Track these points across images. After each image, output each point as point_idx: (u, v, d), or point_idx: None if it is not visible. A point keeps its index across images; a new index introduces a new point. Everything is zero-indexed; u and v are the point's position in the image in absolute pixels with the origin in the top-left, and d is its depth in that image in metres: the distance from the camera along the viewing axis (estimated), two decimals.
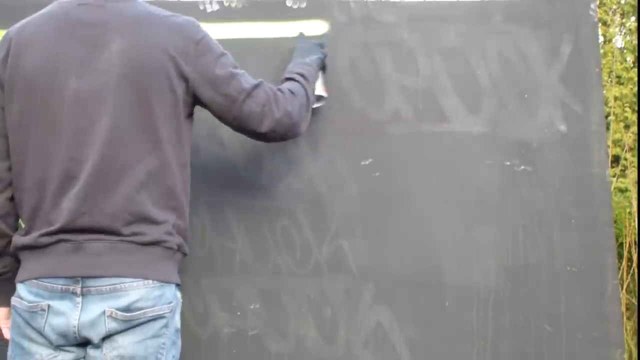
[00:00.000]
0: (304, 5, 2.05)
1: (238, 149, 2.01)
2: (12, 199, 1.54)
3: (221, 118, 1.62)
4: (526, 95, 2.02)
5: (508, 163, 2.00)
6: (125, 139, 1.45)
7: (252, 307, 1.96)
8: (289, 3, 2.05)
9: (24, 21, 1.55)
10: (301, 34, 2.00)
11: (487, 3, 2.05)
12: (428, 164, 2.00)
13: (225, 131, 1.99)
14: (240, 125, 1.62)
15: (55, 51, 1.48)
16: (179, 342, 1.57)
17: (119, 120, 1.45)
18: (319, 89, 1.91)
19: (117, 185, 1.44)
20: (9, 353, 1.50)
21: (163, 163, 1.49)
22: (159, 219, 1.48)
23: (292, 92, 1.67)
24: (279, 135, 1.66)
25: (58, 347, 1.45)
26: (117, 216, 1.44)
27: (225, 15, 2.05)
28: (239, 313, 1.96)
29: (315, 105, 1.87)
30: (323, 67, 1.93)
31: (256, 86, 1.60)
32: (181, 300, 1.59)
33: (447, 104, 2.02)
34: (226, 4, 2.05)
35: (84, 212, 1.43)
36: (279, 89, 1.66)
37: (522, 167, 2.00)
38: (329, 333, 1.95)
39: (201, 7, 2.05)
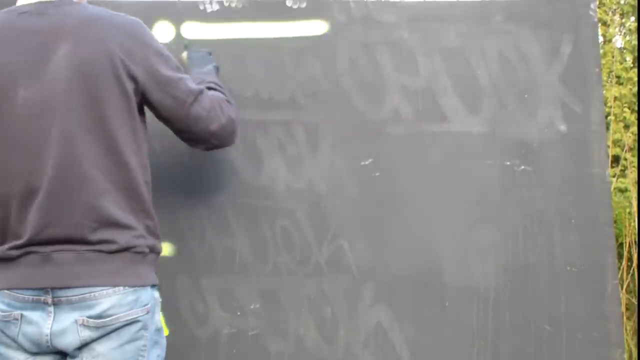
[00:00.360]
0: (304, 5, 2.05)
1: (238, 149, 2.00)
2: None
3: (167, 120, 1.59)
4: (526, 95, 2.02)
5: (508, 163, 2.00)
6: (79, 146, 1.43)
7: (252, 307, 1.96)
8: (289, 3, 2.05)
9: None
10: (188, 43, 1.96)
11: (487, 3, 2.05)
12: (428, 164, 2.00)
13: None
14: (185, 128, 1.60)
15: (1, 64, 1.46)
16: (163, 341, 1.57)
17: (71, 128, 1.43)
18: None
19: (78, 194, 1.43)
20: None
21: (122, 166, 1.47)
22: (127, 222, 1.47)
23: (228, 101, 1.68)
24: (220, 141, 1.66)
25: (33, 354, 1.46)
26: (82, 224, 1.43)
27: (225, 15, 2.05)
28: (239, 313, 1.96)
29: None
30: (217, 75, 1.89)
31: (201, 91, 1.60)
32: (160, 300, 1.58)
33: (447, 104, 2.02)
34: (226, 4, 2.05)
35: (48, 224, 1.43)
36: (220, 98, 1.66)
37: (522, 167, 2.00)
38: (329, 333, 1.95)
39: (201, 7, 2.05)
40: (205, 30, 2.03)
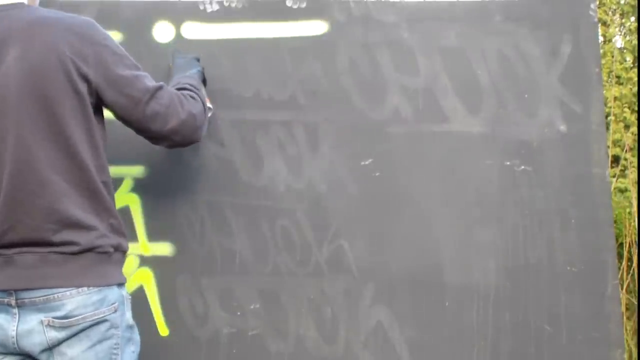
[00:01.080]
0: (304, 5, 2.05)
1: (238, 149, 2.01)
2: None
3: (124, 119, 1.57)
4: (526, 95, 2.02)
5: (508, 163, 2.00)
6: (35, 150, 1.42)
7: (252, 307, 1.96)
8: (289, 3, 2.05)
9: None
10: (175, 51, 1.96)
11: (487, 3, 2.05)
12: (428, 164, 2.00)
13: (225, 131, 2.00)
14: (143, 127, 1.57)
15: None
16: (136, 337, 1.58)
17: (25, 132, 1.42)
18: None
19: (37, 199, 1.43)
20: None
21: (80, 167, 1.46)
22: (88, 223, 1.47)
23: (192, 97, 1.66)
24: (182, 138, 1.62)
25: (2, 354, 1.46)
26: (43, 227, 1.43)
27: (225, 15, 2.05)
28: (239, 313, 1.96)
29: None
30: (204, 80, 1.89)
31: (159, 88, 1.57)
32: (129, 297, 1.58)
33: (447, 104, 2.02)
34: (226, 4, 2.05)
35: (9, 229, 1.43)
36: (181, 93, 1.63)
37: (522, 167, 2.00)
38: (329, 333, 1.95)
39: (201, 7, 2.05)
40: (205, 30, 2.03)
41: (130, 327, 1.56)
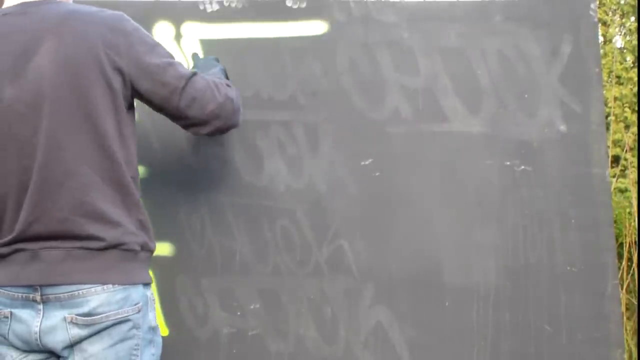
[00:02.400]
0: (304, 5, 2.05)
1: (238, 149, 2.01)
2: None
3: (161, 108, 1.58)
4: (526, 95, 2.02)
5: (508, 163, 2.00)
6: (65, 142, 1.43)
7: (252, 307, 1.96)
8: (289, 3, 2.05)
9: None
10: (195, 54, 1.97)
11: (487, 3, 2.05)
12: (428, 164, 2.00)
13: None
14: (181, 114, 1.57)
15: None
16: (158, 339, 1.57)
17: (57, 124, 1.43)
18: None
19: (65, 190, 1.43)
20: None
21: (110, 160, 1.47)
22: (116, 218, 1.47)
23: (227, 84, 1.66)
24: (222, 122, 1.61)
25: (26, 352, 1.47)
26: (69, 220, 1.43)
27: (225, 15, 2.05)
28: (239, 313, 1.96)
29: None
30: (227, 78, 1.88)
31: (194, 74, 1.57)
32: (153, 298, 1.58)
33: (447, 104, 2.02)
34: (226, 4, 2.05)
35: (34, 220, 1.43)
36: (216, 80, 1.63)
37: (522, 167, 2.00)
38: (329, 333, 1.95)
39: (201, 7, 2.05)
40: (205, 30, 2.03)
41: (152, 328, 1.54)
